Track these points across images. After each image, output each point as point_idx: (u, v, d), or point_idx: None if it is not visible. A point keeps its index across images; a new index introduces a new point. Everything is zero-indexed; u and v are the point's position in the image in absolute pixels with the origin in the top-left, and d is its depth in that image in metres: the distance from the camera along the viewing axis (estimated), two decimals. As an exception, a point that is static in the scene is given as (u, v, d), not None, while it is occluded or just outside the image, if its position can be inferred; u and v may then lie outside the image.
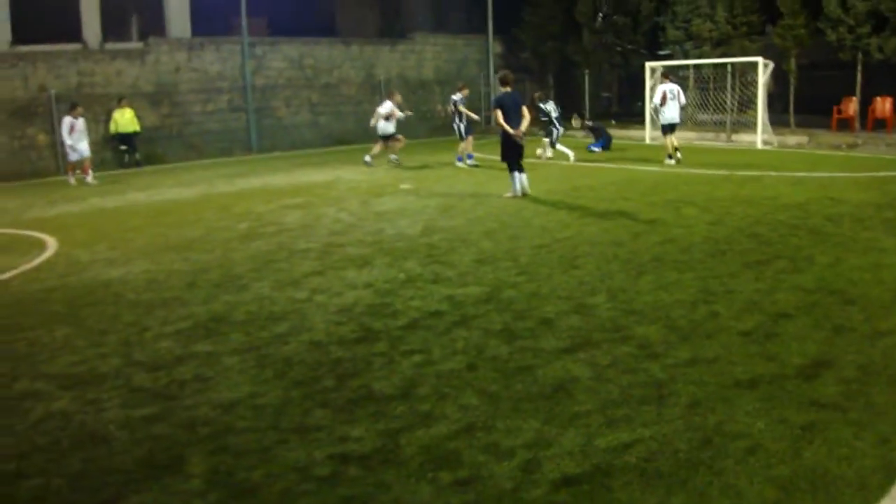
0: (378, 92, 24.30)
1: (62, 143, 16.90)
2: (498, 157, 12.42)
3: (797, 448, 3.78)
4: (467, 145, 16.88)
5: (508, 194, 12.00)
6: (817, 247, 8.00)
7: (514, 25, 27.11)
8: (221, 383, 4.95)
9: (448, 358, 5.22)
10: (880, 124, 20.61)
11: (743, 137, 20.58)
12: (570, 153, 16.86)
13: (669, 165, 15.71)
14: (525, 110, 11.86)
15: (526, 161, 12.13)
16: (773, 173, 13.91)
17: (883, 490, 3.40)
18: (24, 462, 4.01)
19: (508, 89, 12.07)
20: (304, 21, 25.04)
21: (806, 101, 21.22)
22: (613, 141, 19.79)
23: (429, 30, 27.30)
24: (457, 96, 17.14)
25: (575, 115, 23.65)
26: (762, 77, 19.23)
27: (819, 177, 13.45)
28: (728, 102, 21.18)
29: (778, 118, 20.75)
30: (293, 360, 5.33)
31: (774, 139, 19.61)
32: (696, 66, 22.26)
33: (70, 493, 3.70)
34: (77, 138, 16.29)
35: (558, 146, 17.26)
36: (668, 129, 16.30)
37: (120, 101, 19.04)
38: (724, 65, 21.22)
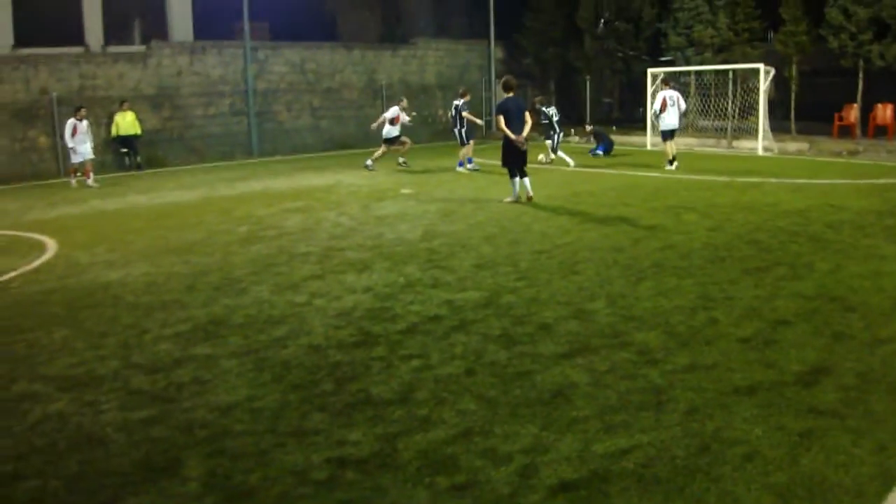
0: (380, 97, 24.38)
1: (64, 146, 16.94)
2: (499, 162, 12.44)
3: (795, 455, 3.77)
4: (468, 150, 16.92)
5: (509, 199, 12.01)
6: (817, 254, 8.00)
7: (515, 31, 27.19)
8: (219, 386, 4.95)
9: (447, 363, 5.21)
10: (881, 131, 20.64)
11: (744, 144, 20.61)
12: (570, 160, 16.93)
13: (670, 171, 15.73)
14: (528, 116, 11.89)
15: (528, 167, 12.12)
16: (773, 180, 13.91)
17: (880, 498, 3.40)
18: (22, 464, 4.01)
19: (511, 94, 12.11)
20: (305, 26, 25.08)
21: (807, 108, 21.25)
22: (615, 146, 19.85)
23: (430, 35, 27.38)
24: (459, 101, 17.20)
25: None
26: (763, 83, 19.26)
27: (820, 183, 13.45)
28: (729, 109, 21.21)
29: (779, 125, 20.76)
30: (291, 363, 5.33)
31: (775, 146, 19.63)
32: (698, 73, 22.30)
33: (67, 495, 3.70)
34: (80, 140, 16.30)
35: (559, 153, 17.34)
36: (668, 134, 16.39)
37: (121, 104, 19.08)
38: (725, 71, 21.28)
